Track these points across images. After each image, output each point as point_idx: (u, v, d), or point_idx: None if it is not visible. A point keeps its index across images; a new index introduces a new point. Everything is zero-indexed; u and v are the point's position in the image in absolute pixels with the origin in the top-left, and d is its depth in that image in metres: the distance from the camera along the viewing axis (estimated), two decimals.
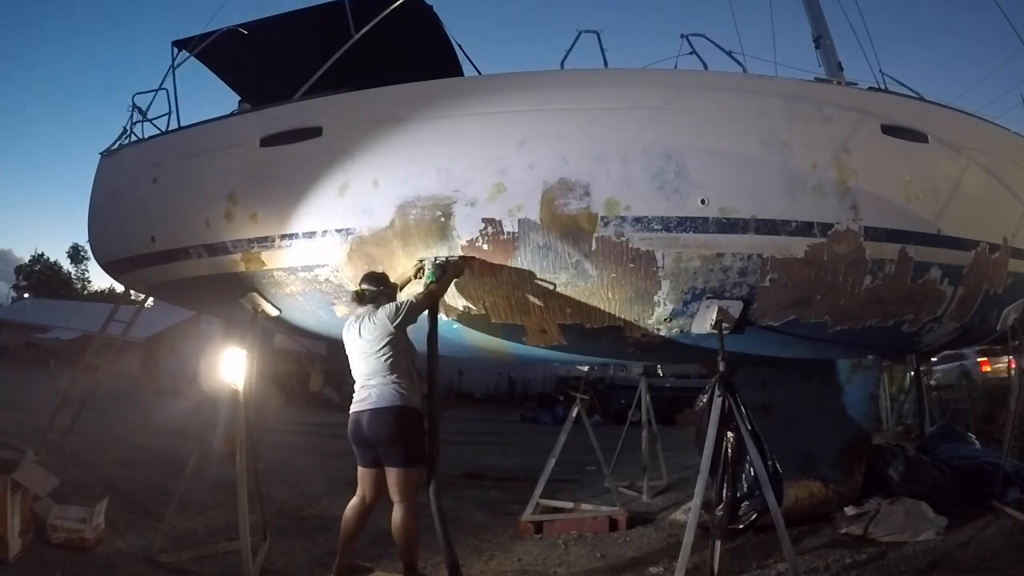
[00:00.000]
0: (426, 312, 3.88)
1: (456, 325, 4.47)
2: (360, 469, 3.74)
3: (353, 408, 3.70)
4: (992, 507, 5.24)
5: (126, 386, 14.17)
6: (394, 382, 3.62)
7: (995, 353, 12.65)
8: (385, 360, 3.64)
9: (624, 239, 3.86)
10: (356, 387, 3.75)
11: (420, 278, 4.01)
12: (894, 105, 4.42)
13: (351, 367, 3.80)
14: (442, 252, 4.06)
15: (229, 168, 4.63)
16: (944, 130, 4.43)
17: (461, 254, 4.01)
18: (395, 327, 3.65)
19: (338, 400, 15.66)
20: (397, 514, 3.60)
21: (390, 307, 3.72)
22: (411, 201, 4.02)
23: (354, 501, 3.74)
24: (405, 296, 3.95)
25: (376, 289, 3.87)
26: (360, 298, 3.86)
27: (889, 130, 4.17)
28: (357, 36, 4.68)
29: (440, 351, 4.02)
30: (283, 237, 4.38)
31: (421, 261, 4.05)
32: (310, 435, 10.84)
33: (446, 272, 3.92)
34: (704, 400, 4.04)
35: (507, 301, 4.22)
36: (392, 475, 3.59)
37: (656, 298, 4.08)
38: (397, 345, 3.69)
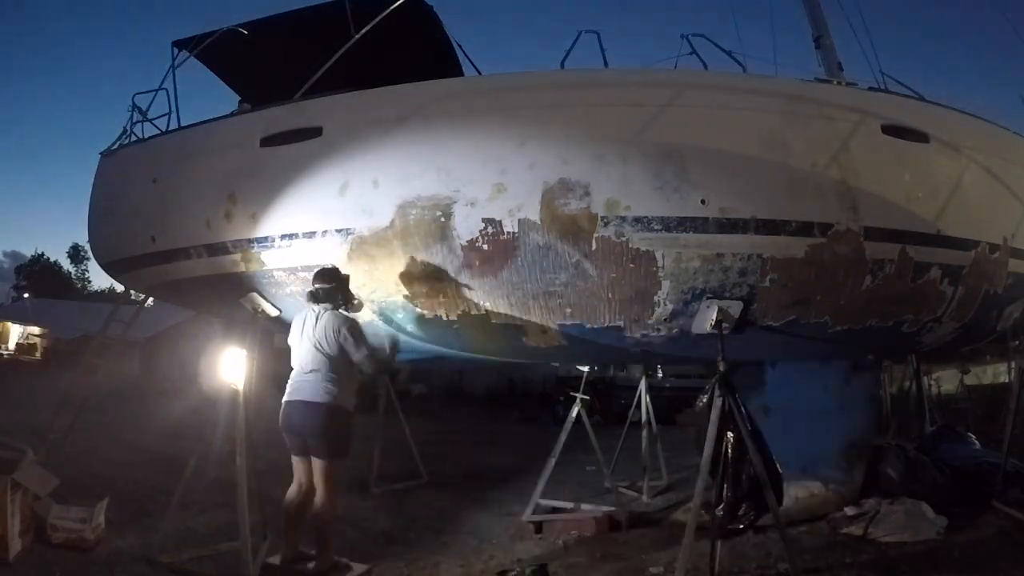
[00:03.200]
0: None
1: (456, 326, 4.47)
2: (293, 457, 3.93)
3: (286, 397, 3.89)
4: (992, 507, 5.24)
5: (126, 386, 14.14)
6: (329, 380, 3.77)
7: None
8: (327, 357, 3.80)
9: (624, 239, 3.86)
10: (292, 376, 3.90)
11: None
12: (894, 105, 4.42)
13: (292, 355, 3.95)
14: (442, 252, 4.07)
15: (229, 168, 4.64)
16: (944, 130, 4.43)
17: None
18: (340, 345, 3.80)
19: None
20: (317, 501, 3.81)
21: (348, 328, 3.83)
22: (411, 201, 4.02)
23: (292, 489, 3.94)
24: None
25: (330, 287, 3.95)
26: (315, 298, 3.93)
27: (889, 130, 4.17)
28: (357, 36, 4.68)
29: (440, 352, 4.02)
30: (283, 237, 4.39)
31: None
32: None
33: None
34: (704, 400, 4.03)
35: (507, 301, 4.22)
36: (317, 465, 3.80)
37: (656, 298, 4.08)
38: (341, 351, 3.83)
